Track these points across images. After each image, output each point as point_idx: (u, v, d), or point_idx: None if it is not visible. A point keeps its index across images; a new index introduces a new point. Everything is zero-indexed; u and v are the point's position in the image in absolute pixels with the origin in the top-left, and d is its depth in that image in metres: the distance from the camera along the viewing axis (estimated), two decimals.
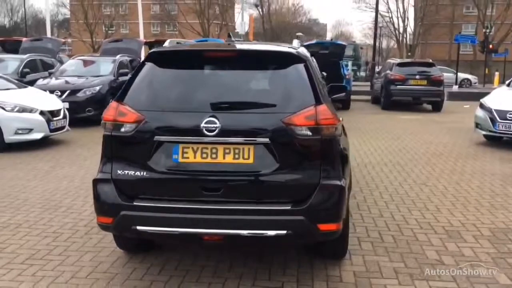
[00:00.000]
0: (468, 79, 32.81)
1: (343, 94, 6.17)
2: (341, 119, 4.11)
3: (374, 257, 4.15)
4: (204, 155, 3.28)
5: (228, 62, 3.57)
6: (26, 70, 13.49)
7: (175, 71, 3.56)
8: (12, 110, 8.70)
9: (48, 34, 23.20)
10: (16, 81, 10.52)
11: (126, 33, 58.81)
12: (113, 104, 3.46)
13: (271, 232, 3.22)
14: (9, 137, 8.63)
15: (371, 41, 71.55)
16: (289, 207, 3.23)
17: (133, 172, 3.34)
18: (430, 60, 18.44)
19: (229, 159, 3.27)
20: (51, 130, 9.09)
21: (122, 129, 3.37)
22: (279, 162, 3.26)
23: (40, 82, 12.37)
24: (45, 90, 10.97)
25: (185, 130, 3.28)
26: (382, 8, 56.42)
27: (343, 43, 17.89)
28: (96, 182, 3.45)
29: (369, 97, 19.58)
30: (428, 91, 15.90)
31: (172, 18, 56.06)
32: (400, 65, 16.58)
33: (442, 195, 6.04)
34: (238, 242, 3.67)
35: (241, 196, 3.28)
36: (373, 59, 24.66)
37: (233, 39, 3.90)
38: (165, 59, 3.62)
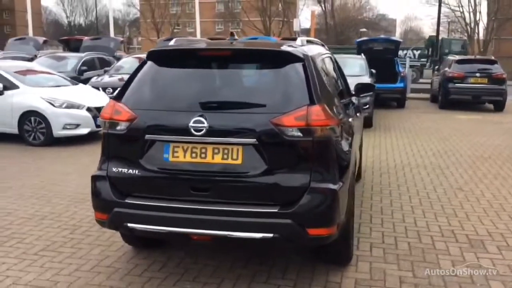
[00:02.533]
0: None
1: (370, 93, 5.98)
2: (350, 120, 3.97)
3: (383, 264, 3.97)
4: (194, 155, 3.26)
5: (223, 61, 3.53)
6: (84, 68, 14.11)
7: (170, 70, 3.57)
8: (60, 106, 9.12)
9: (111, 34, 24.15)
10: (69, 79, 11.02)
11: (192, 32, 60.08)
12: (110, 102, 3.53)
13: (258, 235, 3.16)
14: (57, 132, 9.06)
15: (442, 36, 68.93)
16: (276, 210, 3.15)
17: (126, 170, 3.39)
18: (492, 57, 17.41)
19: (217, 159, 3.23)
20: (97, 126, 9.44)
21: (118, 127, 3.43)
22: (268, 164, 3.19)
23: (94, 79, 12.89)
24: (98, 87, 11.44)
25: (175, 129, 3.28)
26: (452, 2, 54.19)
27: (398, 39, 17.28)
28: (93, 178, 3.54)
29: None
30: (489, 89, 15.03)
31: (235, 16, 56.63)
32: (459, 62, 15.77)
33: (476, 201, 5.69)
34: (227, 243, 3.63)
35: (229, 197, 3.24)
36: (433, 55, 23.59)
37: (236, 37, 3.85)
38: (162, 58, 3.64)
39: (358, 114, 5.53)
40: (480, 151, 8.70)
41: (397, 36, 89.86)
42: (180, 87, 3.47)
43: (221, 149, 3.23)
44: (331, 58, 4.80)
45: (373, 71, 12.82)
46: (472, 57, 17.52)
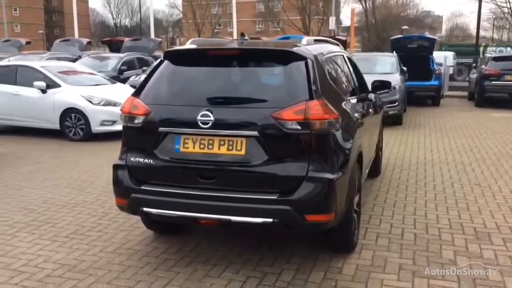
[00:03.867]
0: None
1: (387, 90, 6.13)
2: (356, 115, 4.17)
3: (385, 252, 4.16)
4: (202, 146, 3.57)
5: (231, 60, 3.81)
6: (124, 67, 14.74)
7: (183, 68, 3.89)
8: (98, 104, 9.66)
9: (152, 35, 24.93)
10: (108, 78, 11.60)
11: (232, 31, 60.81)
12: (129, 98, 3.88)
13: (259, 220, 3.43)
14: (95, 128, 9.60)
15: (489, 33, 66.82)
16: (275, 197, 3.41)
17: (142, 159, 3.73)
18: None
19: (223, 150, 3.52)
20: None
21: (135, 121, 3.78)
22: (268, 154, 3.45)
23: (132, 78, 13.46)
24: (135, 86, 11.94)
25: (185, 122, 3.59)
26: None
27: (433, 36, 17.09)
28: (114, 167, 3.91)
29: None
30: None
31: (275, 15, 56.92)
32: (496, 59, 15.48)
33: (492, 196, 5.76)
34: (232, 227, 3.91)
35: (233, 184, 3.52)
36: (475, 52, 23.11)
37: (246, 37, 4.12)
38: (176, 57, 3.96)
39: (374, 111, 5.71)
40: (508, 149, 8.64)
41: (443, 33, 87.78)
42: (190, 84, 3.78)
43: (227, 141, 3.52)
44: (343, 56, 5.00)
45: (404, 68, 12.81)
46: (510, 54, 17.07)
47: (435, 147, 8.81)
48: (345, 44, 16.93)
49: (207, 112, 3.49)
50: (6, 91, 10.25)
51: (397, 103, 11.02)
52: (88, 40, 20.72)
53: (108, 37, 27.02)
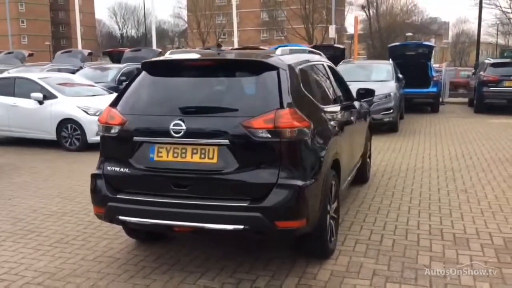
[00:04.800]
0: None
1: (371, 98, 6.19)
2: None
3: (361, 258, 4.20)
4: (175, 155, 3.65)
5: (205, 70, 3.90)
6: (123, 78, 14.87)
7: (158, 78, 3.98)
8: (94, 114, 9.77)
9: (154, 45, 25.21)
10: (106, 89, 11.74)
11: (237, 41, 61.14)
12: (107, 108, 3.97)
13: (230, 227, 3.49)
14: (91, 138, 9.70)
15: (494, 39, 66.57)
16: (246, 204, 3.48)
17: (118, 168, 3.81)
18: None
19: (196, 158, 3.60)
20: None
21: (112, 131, 3.87)
22: (240, 162, 3.52)
23: None
24: None
25: (158, 131, 3.68)
26: (504, 4, 52.47)
27: (431, 44, 17.15)
28: (92, 176, 3.99)
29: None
30: None
31: (279, 24, 57.21)
32: (494, 65, 15.50)
33: (476, 202, 5.79)
34: (206, 234, 3.97)
35: (205, 192, 3.59)
36: (476, 59, 23.13)
37: (222, 48, 4.21)
38: (152, 68, 4.05)
39: (358, 119, 5.77)
40: (500, 155, 8.66)
41: (449, 39, 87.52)
42: (165, 94, 3.88)
43: (199, 150, 3.59)
44: (323, 65, 5.07)
45: (400, 76, 12.87)
46: (508, 60, 17.08)
47: (427, 154, 8.84)
48: (343, 53, 17.03)
49: (179, 121, 3.57)
50: (4, 102, 10.42)
51: (392, 111, 11.07)
52: (90, 51, 20.97)
53: (112, 48, 27.35)
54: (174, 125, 3.57)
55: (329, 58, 16.49)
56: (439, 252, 4.32)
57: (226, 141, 3.52)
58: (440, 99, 16.93)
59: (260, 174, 3.52)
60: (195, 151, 3.60)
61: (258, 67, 3.79)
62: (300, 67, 4.17)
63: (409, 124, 12.95)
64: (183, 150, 3.63)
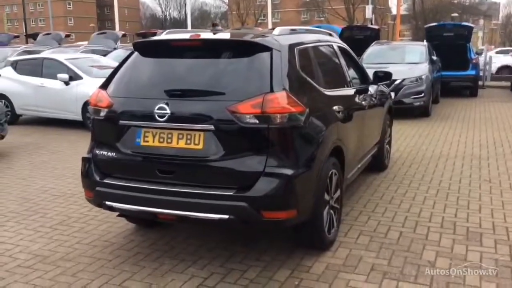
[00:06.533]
0: None
1: (388, 81, 5.88)
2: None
3: (362, 251, 3.98)
4: (161, 140, 3.51)
5: (194, 51, 3.72)
6: None
7: (148, 59, 3.82)
8: None
9: (189, 26, 25.12)
10: None
11: (277, 22, 60.48)
12: (97, 90, 3.87)
13: (215, 216, 3.34)
14: None
15: None
16: (231, 193, 3.31)
17: (106, 152, 3.71)
18: None
19: (181, 144, 3.45)
20: None
21: (101, 114, 3.76)
22: (225, 149, 3.35)
23: None
24: None
25: (143, 115, 3.54)
26: None
27: (470, 24, 16.29)
28: (82, 160, 3.92)
29: None
30: None
31: (319, 4, 56.06)
32: None
33: (499, 193, 5.42)
34: (190, 223, 3.83)
35: (190, 180, 3.44)
36: None
37: (219, 27, 4.01)
38: (143, 48, 3.90)
39: (372, 104, 5.47)
40: None
41: (499, 21, 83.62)
42: (152, 76, 3.73)
43: (185, 135, 3.44)
44: (331, 47, 4.80)
45: (434, 58, 12.29)
46: None
47: (456, 141, 8.40)
48: (378, 34, 16.44)
49: (164, 105, 3.42)
50: (32, 83, 10.59)
51: (423, 94, 10.59)
52: (124, 33, 21.11)
53: (154, 30, 27.52)
54: (158, 108, 3.43)
55: (363, 39, 15.99)
56: (448, 247, 4.04)
57: (211, 127, 3.35)
58: (481, 83, 16.15)
59: (246, 162, 3.34)
60: (180, 136, 3.45)
61: (250, 48, 3.58)
62: (300, 47, 3.92)
63: (442, 109, 12.40)
64: (169, 135, 3.48)
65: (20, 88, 10.80)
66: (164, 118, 3.42)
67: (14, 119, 11.08)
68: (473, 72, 14.43)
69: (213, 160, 3.38)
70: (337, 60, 4.79)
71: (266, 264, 3.79)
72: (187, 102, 3.48)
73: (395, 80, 10.44)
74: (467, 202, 5.14)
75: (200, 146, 3.40)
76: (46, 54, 12.82)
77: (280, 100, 3.35)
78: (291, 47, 3.79)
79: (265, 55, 3.52)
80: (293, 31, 4.22)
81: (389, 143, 6.71)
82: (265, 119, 3.30)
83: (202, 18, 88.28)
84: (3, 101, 10.90)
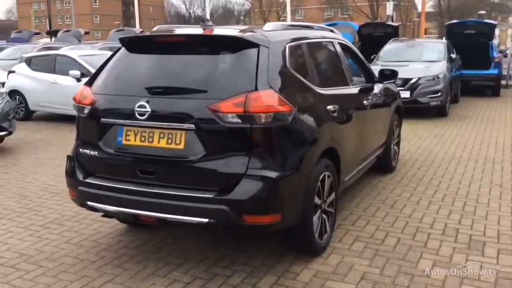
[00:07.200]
0: None
1: (393, 80, 5.66)
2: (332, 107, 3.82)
3: (354, 258, 3.80)
4: (143, 139, 3.39)
5: (178, 47, 3.58)
6: None
7: (131, 55, 3.70)
8: None
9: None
10: None
11: (300, 19, 59.98)
12: (82, 87, 3.78)
13: (194, 219, 3.20)
14: None
15: None
16: (212, 195, 3.17)
17: (89, 151, 3.61)
18: None
19: (163, 143, 3.32)
20: None
21: (84, 111, 3.67)
22: (207, 149, 3.21)
23: None
24: None
25: (124, 113, 3.42)
26: None
27: (493, 22, 15.76)
28: (67, 158, 3.83)
29: None
30: None
31: (342, 2, 55.42)
32: None
33: (509, 200, 5.15)
34: (170, 226, 3.70)
35: (171, 181, 3.31)
36: None
37: (210, 23, 3.87)
38: (129, 44, 3.77)
39: (376, 103, 5.26)
40: None
41: None
42: (135, 73, 3.61)
43: (166, 134, 3.31)
44: (331, 43, 4.60)
45: (453, 56, 11.91)
46: None
47: (471, 142, 8.09)
48: (397, 31, 16.05)
49: (144, 103, 3.30)
50: (45, 79, 10.65)
51: (440, 94, 10.27)
52: (141, 30, 21.19)
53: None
54: (138, 106, 3.31)
55: (382, 36, 15.61)
56: (446, 256, 3.82)
57: (192, 126, 3.21)
58: (504, 82, 15.66)
59: (228, 163, 3.19)
60: (162, 135, 3.33)
61: (237, 44, 3.43)
62: (292, 44, 3.75)
63: (461, 109, 12.03)
64: (151, 134, 3.36)
65: (33, 84, 10.87)
66: (145, 117, 3.30)
67: (28, 115, 11.18)
68: (495, 71, 13.97)
69: (194, 161, 3.24)
70: (336, 58, 4.60)
71: (253, 270, 3.64)
72: (168, 100, 3.35)
73: (410, 79, 10.17)
74: (474, 208, 4.90)
75: (182, 146, 3.27)
76: (62, 51, 12.88)
77: (265, 99, 3.19)
78: (282, 43, 3.63)
79: (252, 51, 3.37)
80: (287, 27, 4.05)
81: (398, 144, 6.48)
82: (248, 119, 3.15)
83: (226, 16, 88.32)
84: (16, 97, 10.99)
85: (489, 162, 6.74)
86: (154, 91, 3.39)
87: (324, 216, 3.84)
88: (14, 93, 11.00)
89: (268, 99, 3.20)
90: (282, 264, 3.72)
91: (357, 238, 4.19)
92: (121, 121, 3.44)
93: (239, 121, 3.15)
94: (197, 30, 3.78)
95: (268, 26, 3.80)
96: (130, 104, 3.35)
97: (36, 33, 24.75)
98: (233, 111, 3.15)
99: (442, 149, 7.59)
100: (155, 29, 4.16)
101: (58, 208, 5.07)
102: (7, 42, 20.82)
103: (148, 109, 3.28)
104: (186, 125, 3.24)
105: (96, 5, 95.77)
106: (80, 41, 20.02)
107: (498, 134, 8.79)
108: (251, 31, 3.59)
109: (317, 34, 4.47)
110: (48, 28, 37.42)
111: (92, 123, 3.63)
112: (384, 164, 6.00)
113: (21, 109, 11.11)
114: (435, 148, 7.67)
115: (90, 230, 4.46)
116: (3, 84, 11.36)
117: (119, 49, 3.85)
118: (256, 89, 3.20)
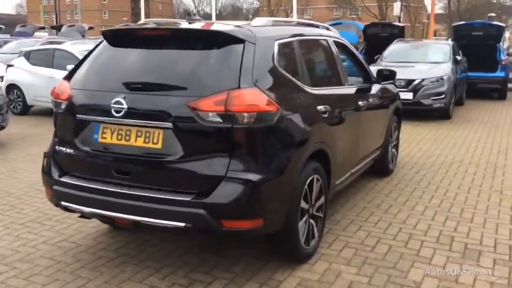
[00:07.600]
0: None
1: (391, 81, 5.47)
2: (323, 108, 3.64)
3: (342, 266, 3.62)
4: (119, 137, 3.22)
5: (161, 41, 3.39)
6: None
7: (113, 49, 3.53)
8: None
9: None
10: None
11: (309, 18, 59.69)
12: (61, 82, 3.62)
13: (170, 223, 3.04)
14: None
15: None
16: (189, 199, 3.00)
17: (65, 148, 3.46)
18: None
19: (140, 142, 3.16)
20: None
21: (61, 107, 3.51)
22: (185, 149, 3.04)
23: None
24: None
25: (100, 110, 3.26)
26: None
27: (501, 24, 15.48)
28: (43, 155, 3.67)
29: None
30: None
31: (351, 2, 55.06)
32: None
33: (509, 207, 4.95)
34: (145, 229, 3.53)
35: (147, 182, 3.15)
36: None
37: (196, 17, 3.70)
38: (111, 38, 3.60)
39: (372, 104, 5.07)
40: None
41: None
42: (115, 67, 3.44)
43: (144, 132, 3.15)
44: (326, 41, 4.41)
45: (459, 57, 11.67)
46: None
47: (474, 146, 7.87)
48: (403, 31, 15.80)
49: (120, 99, 3.13)
50: (43, 74, 10.52)
51: (443, 96, 10.04)
52: (126, 19, 21.20)
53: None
54: (114, 103, 3.14)
55: (388, 37, 15.41)
56: (439, 265, 3.64)
57: (169, 124, 3.04)
58: (511, 85, 15.37)
59: (207, 165, 3.02)
60: (139, 133, 3.16)
61: (221, 40, 3.25)
62: (281, 41, 3.57)
63: (466, 111, 11.79)
64: (128, 132, 3.19)
65: (31, 78, 10.74)
66: (121, 113, 3.13)
67: (26, 109, 11.07)
68: (502, 74, 13.71)
69: (171, 162, 3.07)
70: (330, 57, 4.41)
71: (235, 276, 3.47)
72: (146, 96, 3.18)
73: (413, 80, 9.96)
74: (472, 214, 4.70)
75: (159, 145, 3.10)
76: (62, 45, 12.75)
77: (247, 98, 3.01)
78: (270, 40, 3.45)
79: (237, 47, 3.19)
80: (277, 23, 3.87)
81: (396, 146, 6.28)
82: (230, 118, 2.97)
83: (234, 14, 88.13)
84: (14, 91, 10.88)
85: (491, 167, 6.53)
86: (132, 87, 3.22)
87: (311, 221, 3.66)
88: (12, 87, 10.89)
89: (251, 97, 3.03)
90: (266, 271, 3.55)
91: (347, 244, 4.00)
92: (97, 118, 3.28)
93: (220, 120, 2.98)
94: (182, 24, 3.61)
95: (257, 21, 3.62)
96: (106, 100, 3.18)
97: (41, 28, 24.70)
98: (214, 110, 2.97)
99: (443, 153, 7.38)
100: (140, 22, 3.99)
101: (41, 206, 4.92)
102: (11, 36, 20.73)
103: (125, 105, 3.11)
104: (164, 124, 3.07)
105: (105, 1, 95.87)
106: (84, 36, 19.90)
107: (501, 138, 8.57)
108: (238, 26, 3.41)
109: (310, 31, 4.29)
110: (56, 23, 37.51)
111: (68, 120, 3.47)
112: (381, 167, 5.82)
113: (18, 103, 11.01)
114: (435, 151, 7.47)
115: (71, 230, 4.31)
116: (1, 78, 11.29)
117: (100, 42, 3.68)
118: (239, 87, 3.03)
